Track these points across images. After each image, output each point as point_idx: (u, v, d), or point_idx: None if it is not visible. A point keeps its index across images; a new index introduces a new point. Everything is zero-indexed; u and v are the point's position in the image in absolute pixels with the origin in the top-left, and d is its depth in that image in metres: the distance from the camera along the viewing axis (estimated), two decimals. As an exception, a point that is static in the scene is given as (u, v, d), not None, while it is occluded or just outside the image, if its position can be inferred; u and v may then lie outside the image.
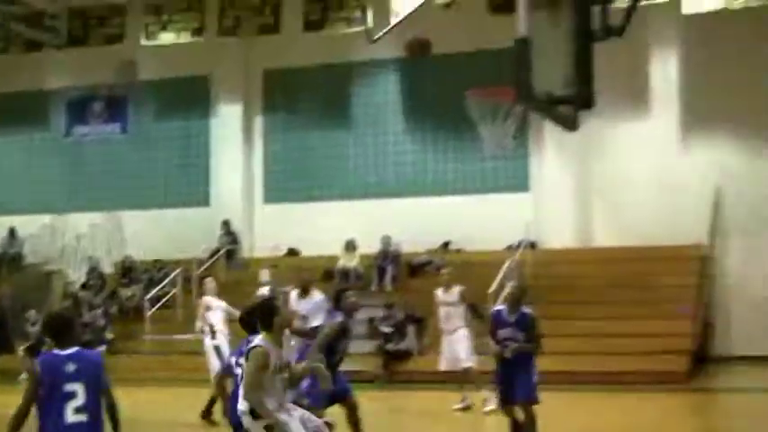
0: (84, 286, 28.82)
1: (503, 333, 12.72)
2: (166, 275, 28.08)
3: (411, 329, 23.58)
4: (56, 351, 7.86)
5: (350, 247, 27.11)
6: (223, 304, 17.90)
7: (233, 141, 30.01)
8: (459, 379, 18.05)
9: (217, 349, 17.39)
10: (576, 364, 22.06)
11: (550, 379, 18.67)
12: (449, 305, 17.95)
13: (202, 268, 27.31)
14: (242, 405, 8.97)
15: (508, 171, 27.70)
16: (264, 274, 23.21)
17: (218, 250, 28.91)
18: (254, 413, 8.82)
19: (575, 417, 17.94)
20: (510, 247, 26.56)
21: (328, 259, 26.99)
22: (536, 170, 27.60)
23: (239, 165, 29.93)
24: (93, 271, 29.32)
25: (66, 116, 31.81)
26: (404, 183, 28.68)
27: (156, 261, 28.92)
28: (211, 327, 17.53)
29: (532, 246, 26.84)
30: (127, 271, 29.18)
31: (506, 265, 24.26)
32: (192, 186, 30.56)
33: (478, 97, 21.46)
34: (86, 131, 31.61)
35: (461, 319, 17.84)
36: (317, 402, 11.55)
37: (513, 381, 12.66)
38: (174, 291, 27.55)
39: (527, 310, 12.84)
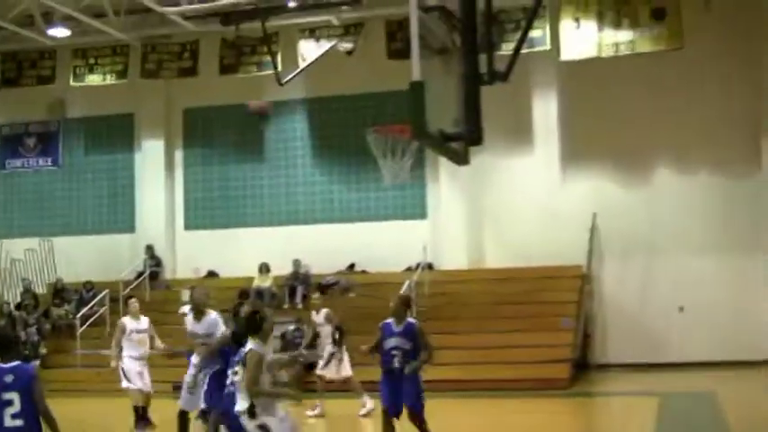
0: (18, 306, 28.39)
1: (390, 342, 12.36)
2: (95, 296, 27.74)
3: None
4: (-1, 364, 7.92)
5: (263, 269, 27.02)
6: (144, 325, 16.91)
7: (156, 173, 29.74)
8: (344, 387, 18.93)
9: (123, 370, 16.88)
10: (469, 373, 22.28)
11: (445, 387, 18.93)
12: (319, 325, 19.20)
13: (128, 289, 27.01)
14: (239, 406, 8.86)
15: (407, 200, 27.87)
16: (185, 295, 22.98)
17: (142, 272, 28.68)
18: (250, 413, 8.76)
19: (465, 419, 18.13)
20: (409, 269, 26.74)
21: (245, 280, 26.90)
22: (432, 199, 27.76)
23: (162, 195, 29.65)
24: (28, 292, 28.86)
25: (2, 150, 31.28)
26: (313, 211, 28.67)
27: (86, 282, 28.53)
28: (120, 349, 16.90)
29: (429, 267, 26.94)
30: (59, 292, 28.75)
31: (406, 284, 24.33)
32: (118, 214, 30.27)
33: (379, 134, 21.63)
34: (21, 164, 31.16)
35: (329, 336, 18.97)
36: None
37: (402, 391, 12.21)
38: (102, 309, 27.20)
39: (412, 320, 12.57)
